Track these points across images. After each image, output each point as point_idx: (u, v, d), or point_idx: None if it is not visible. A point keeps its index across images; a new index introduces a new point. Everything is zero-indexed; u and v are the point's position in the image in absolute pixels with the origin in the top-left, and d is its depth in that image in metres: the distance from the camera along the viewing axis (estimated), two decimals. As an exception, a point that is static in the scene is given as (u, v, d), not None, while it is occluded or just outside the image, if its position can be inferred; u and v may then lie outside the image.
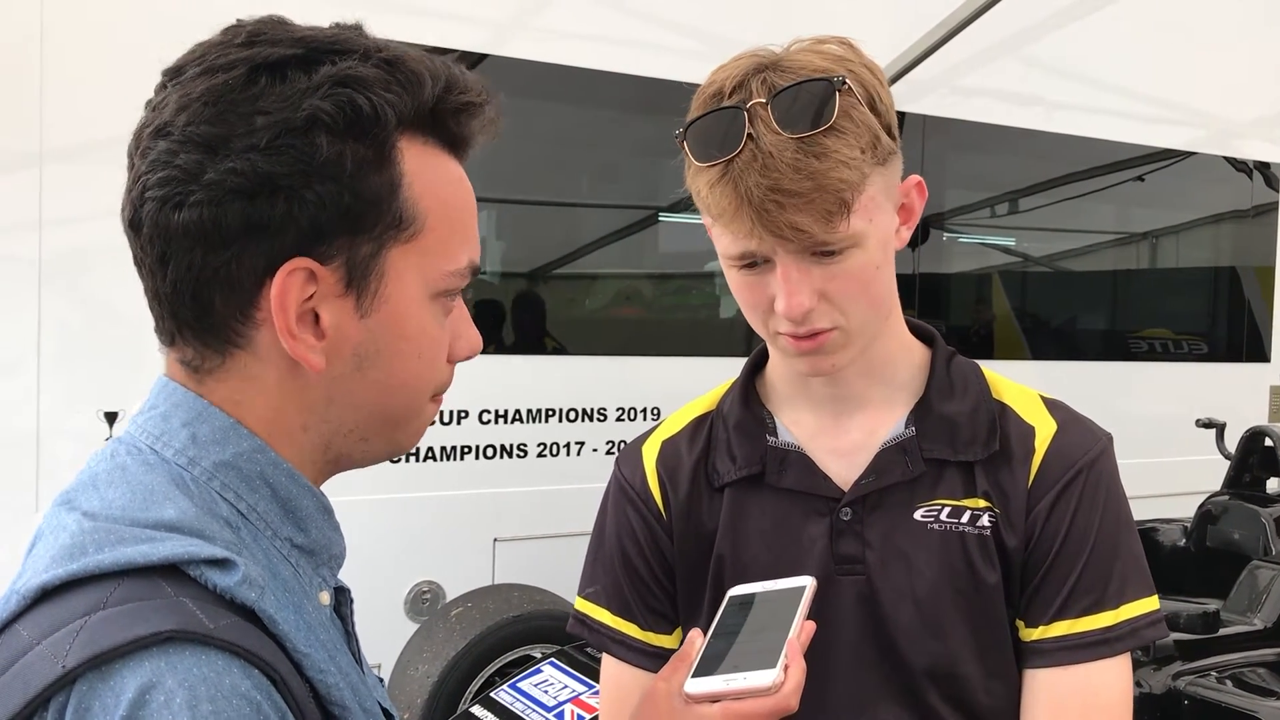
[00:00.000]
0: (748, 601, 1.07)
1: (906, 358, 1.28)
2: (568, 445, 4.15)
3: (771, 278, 1.13)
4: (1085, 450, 1.23)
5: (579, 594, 1.35)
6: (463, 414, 3.96)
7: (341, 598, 0.91)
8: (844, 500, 1.22)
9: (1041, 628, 1.20)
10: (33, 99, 3.21)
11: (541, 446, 4.11)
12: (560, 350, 4.29)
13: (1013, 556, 1.21)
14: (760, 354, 1.34)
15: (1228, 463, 4.38)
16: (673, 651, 1.26)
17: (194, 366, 0.83)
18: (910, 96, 4.39)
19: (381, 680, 0.98)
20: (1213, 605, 3.25)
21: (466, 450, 3.98)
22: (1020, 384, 1.30)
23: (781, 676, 0.95)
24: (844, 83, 1.07)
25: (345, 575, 0.92)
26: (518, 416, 4.06)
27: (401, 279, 0.83)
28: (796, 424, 1.28)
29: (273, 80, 0.78)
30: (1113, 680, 1.19)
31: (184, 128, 0.78)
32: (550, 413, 4.12)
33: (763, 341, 1.27)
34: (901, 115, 1.24)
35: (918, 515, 1.21)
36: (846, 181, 1.07)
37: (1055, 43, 5.06)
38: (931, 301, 5.05)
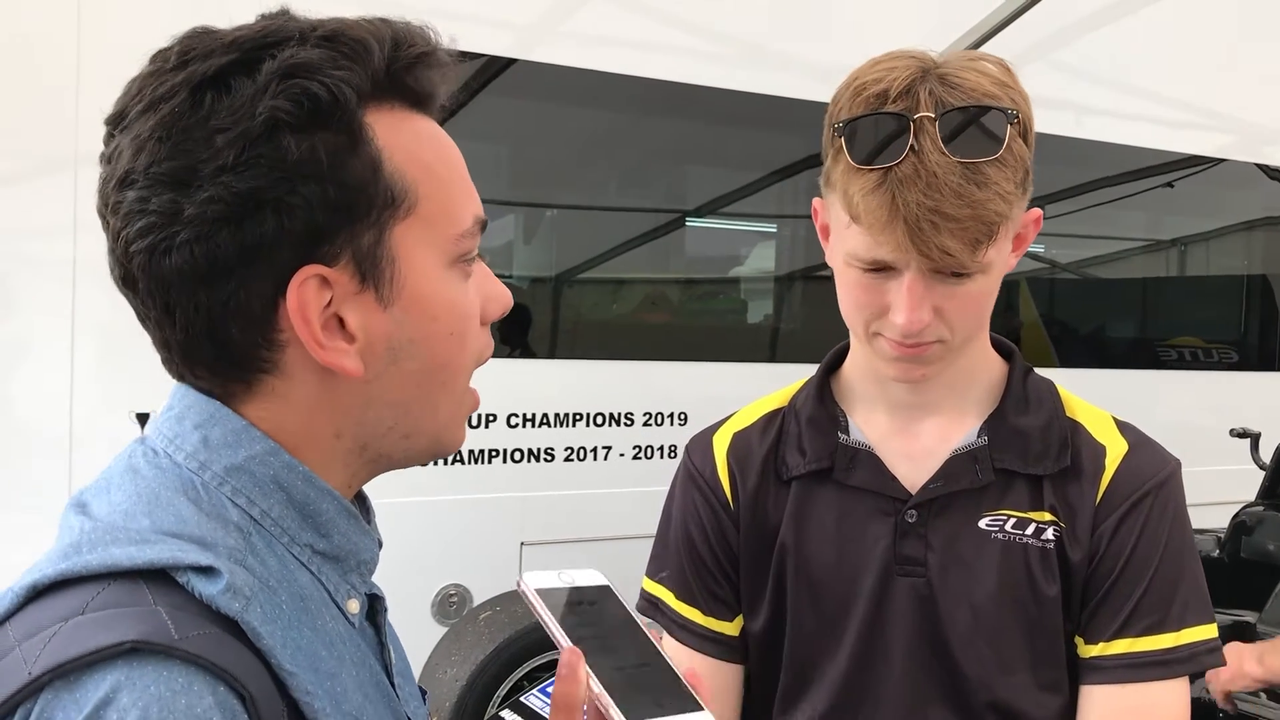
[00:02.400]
0: (574, 604, 0.89)
1: (986, 371, 1.29)
2: (595, 450, 4.16)
3: (893, 285, 1.13)
4: (1155, 472, 1.23)
5: (648, 576, 1.38)
6: (490, 417, 3.97)
7: (376, 605, 0.88)
8: (911, 502, 1.23)
9: (1102, 644, 1.20)
10: (69, 103, 3.25)
11: (569, 451, 4.11)
12: (588, 355, 4.30)
13: (1075, 571, 1.21)
14: (837, 353, 1.35)
15: (1262, 473, 4.33)
16: (733, 639, 1.31)
17: (214, 394, 0.80)
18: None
19: (424, 691, 0.94)
20: (1248, 617, 3.21)
21: (494, 454, 3.99)
22: (1093, 404, 1.31)
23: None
24: (1016, 116, 1.08)
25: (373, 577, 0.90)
26: (545, 421, 4.07)
27: (413, 257, 0.79)
28: (869, 424, 1.29)
29: (218, 94, 0.73)
30: (1171, 701, 1.19)
31: (146, 170, 0.73)
32: (578, 417, 4.12)
33: (823, 349, 1.28)
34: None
35: (982, 524, 1.22)
36: (1000, 214, 1.08)
37: (1084, 48, 5.02)
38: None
